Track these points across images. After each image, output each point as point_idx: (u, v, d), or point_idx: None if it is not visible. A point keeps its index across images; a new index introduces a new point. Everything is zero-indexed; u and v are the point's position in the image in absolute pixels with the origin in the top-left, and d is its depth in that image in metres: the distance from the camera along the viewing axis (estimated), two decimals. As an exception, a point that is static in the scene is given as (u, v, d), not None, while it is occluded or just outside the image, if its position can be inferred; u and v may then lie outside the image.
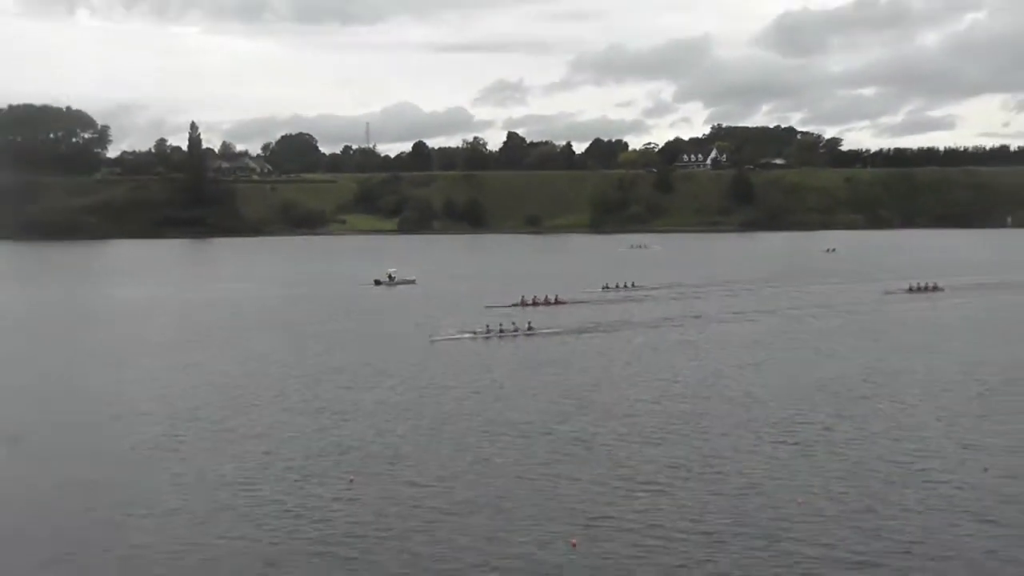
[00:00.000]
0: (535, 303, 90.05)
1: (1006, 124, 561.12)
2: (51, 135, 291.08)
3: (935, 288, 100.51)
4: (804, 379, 54.45)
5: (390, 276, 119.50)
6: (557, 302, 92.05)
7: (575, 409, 47.68)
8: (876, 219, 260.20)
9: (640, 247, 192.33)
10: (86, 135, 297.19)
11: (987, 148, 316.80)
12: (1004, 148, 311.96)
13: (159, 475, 37.31)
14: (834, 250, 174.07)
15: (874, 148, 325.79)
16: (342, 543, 29.85)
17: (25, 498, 34.95)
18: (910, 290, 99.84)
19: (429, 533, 30.54)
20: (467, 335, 71.20)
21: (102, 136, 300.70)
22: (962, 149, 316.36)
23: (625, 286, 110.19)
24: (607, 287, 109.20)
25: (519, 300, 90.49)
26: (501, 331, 71.77)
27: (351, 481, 35.84)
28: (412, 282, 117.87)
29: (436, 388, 53.11)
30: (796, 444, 40.52)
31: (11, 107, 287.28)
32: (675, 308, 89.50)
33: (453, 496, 34.15)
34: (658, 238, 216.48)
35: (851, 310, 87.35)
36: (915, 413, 46.30)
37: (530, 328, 72.89)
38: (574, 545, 29.32)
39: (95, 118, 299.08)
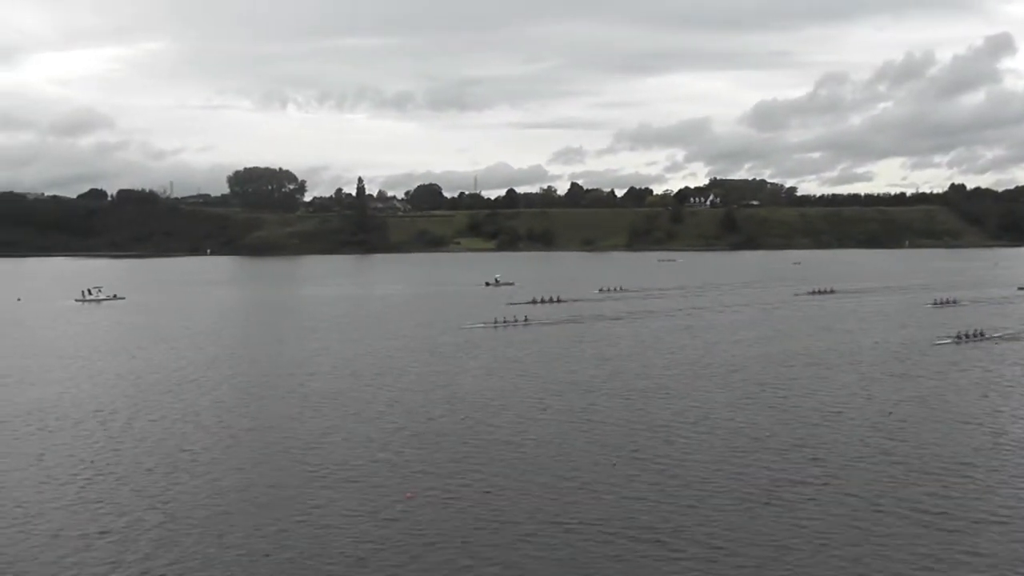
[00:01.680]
0: (542, 301, 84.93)
1: (904, 178, 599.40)
2: (269, 186, 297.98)
3: (832, 291, 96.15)
4: (768, 351, 54.12)
5: (496, 280, 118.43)
6: (559, 301, 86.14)
7: (597, 370, 48.13)
8: (820, 242, 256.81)
9: (668, 261, 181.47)
10: (291, 186, 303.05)
11: (892, 194, 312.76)
12: (903, 194, 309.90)
13: (325, 406, 38.67)
14: (799, 263, 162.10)
15: (818, 193, 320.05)
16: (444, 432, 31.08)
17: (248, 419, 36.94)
18: (811, 293, 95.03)
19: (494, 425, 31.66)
20: (481, 325, 68.16)
21: (301, 187, 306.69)
22: (876, 195, 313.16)
23: (617, 289, 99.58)
24: (602, 290, 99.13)
25: (531, 299, 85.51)
26: (505, 322, 69.28)
27: (463, 419, 36.93)
28: (512, 284, 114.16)
29: (492, 355, 53.78)
30: (763, 397, 40.56)
31: (246, 169, 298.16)
32: (680, 303, 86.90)
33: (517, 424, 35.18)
34: (678, 254, 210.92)
35: (795, 305, 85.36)
36: (839, 374, 46.01)
37: (527, 320, 70.47)
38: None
39: (297, 175, 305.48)
